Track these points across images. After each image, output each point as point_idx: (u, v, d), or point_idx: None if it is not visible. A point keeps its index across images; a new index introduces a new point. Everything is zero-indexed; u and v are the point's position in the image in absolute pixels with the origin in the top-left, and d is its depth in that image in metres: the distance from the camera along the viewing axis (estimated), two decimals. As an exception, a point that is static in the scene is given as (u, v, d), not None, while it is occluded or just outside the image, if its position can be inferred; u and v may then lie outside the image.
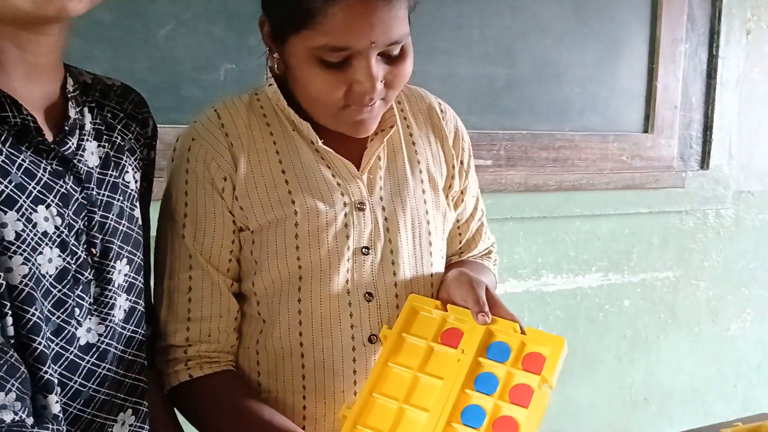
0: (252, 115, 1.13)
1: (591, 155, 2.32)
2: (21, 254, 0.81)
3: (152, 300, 1.13)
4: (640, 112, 2.40)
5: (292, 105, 1.13)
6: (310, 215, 1.09)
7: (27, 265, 0.81)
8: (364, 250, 1.12)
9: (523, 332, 1.07)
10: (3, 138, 0.82)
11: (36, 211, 0.83)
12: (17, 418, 0.76)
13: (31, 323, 0.81)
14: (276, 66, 1.11)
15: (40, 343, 0.82)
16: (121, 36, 1.71)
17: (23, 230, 0.81)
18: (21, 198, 0.82)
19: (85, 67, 1.03)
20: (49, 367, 0.83)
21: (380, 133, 1.15)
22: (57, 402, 0.85)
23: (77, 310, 0.88)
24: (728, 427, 1.30)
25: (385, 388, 1.06)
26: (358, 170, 1.14)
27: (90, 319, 0.90)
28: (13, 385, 0.77)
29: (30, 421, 0.78)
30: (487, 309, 1.08)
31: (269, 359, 1.13)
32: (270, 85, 1.15)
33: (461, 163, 1.26)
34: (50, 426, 0.81)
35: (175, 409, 1.16)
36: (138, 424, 1.00)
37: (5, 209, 0.80)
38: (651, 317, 2.57)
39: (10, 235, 0.80)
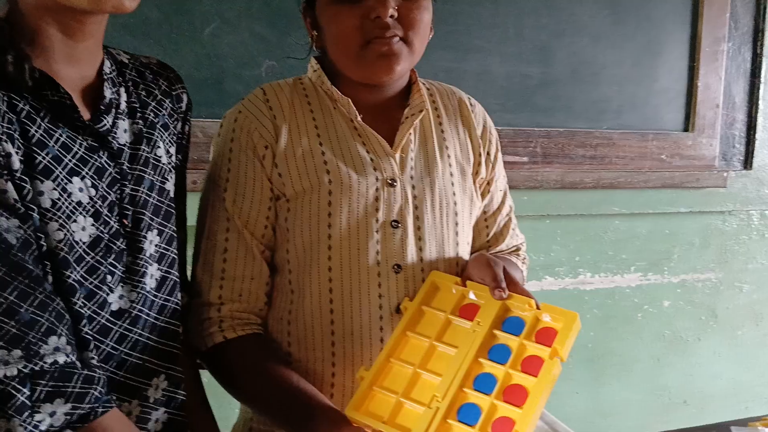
0: (295, 94, 1.22)
1: (629, 153, 2.32)
2: (56, 221, 0.87)
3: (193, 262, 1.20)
4: (681, 111, 2.39)
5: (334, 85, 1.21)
6: (343, 185, 1.16)
7: (62, 231, 0.88)
8: (393, 223, 1.18)
9: (538, 307, 1.10)
10: (42, 114, 0.89)
11: (71, 182, 0.90)
12: (69, 360, 0.83)
13: (66, 285, 0.88)
14: (315, 43, 1.22)
15: (75, 304, 0.89)
16: (168, 33, 1.79)
17: (59, 199, 0.88)
18: (57, 169, 0.88)
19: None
20: (84, 326, 0.90)
21: (411, 117, 1.22)
22: (93, 358, 0.91)
23: (109, 277, 0.94)
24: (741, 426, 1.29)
25: (403, 354, 1.11)
26: (392, 148, 1.20)
27: (122, 286, 0.96)
28: (62, 330, 0.84)
29: (79, 364, 0.85)
30: (504, 285, 1.12)
31: (299, 329, 1.19)
32: (315, 71, 1.23)
33: (488, 153, 1.32)
34: (97, 370, 0.87)
35: (203, 381, 1.21)
36: (171, 389, 1.04)
37: (42, 178, 0.87)
38: (691, 319, 2.55)
39: (46, 203, 0.87)
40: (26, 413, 0.79)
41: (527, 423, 0.99)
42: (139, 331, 0.98)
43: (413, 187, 1.21)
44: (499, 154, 1.35)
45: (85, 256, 0.91)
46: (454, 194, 1.25)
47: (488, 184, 1.33)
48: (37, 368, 0.80)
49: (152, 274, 1.00)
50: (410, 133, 1.22)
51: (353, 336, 1.17)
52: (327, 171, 1.17)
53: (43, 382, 0.80)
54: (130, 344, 0.97)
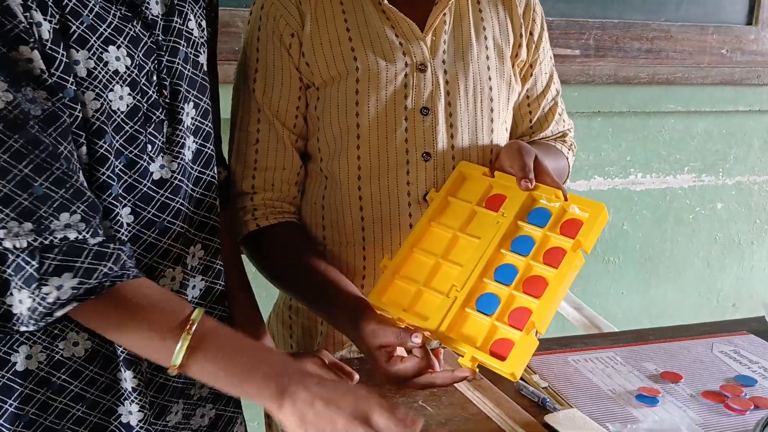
0: None
1: (688, 47, 2.21)
2: (93, 90, 0.88)
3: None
4: (744, 3, 2.26)
5: None
6: (371, 72, 1.14)
7: (98, 100, 0.89)
8: (423, 110, 1.15)
9: (565, 198, 1.07)
10: None
11: (107, 50, 0.90)
12: (80, 236, 0.84)
13: (98, 155, 0.90)
14: None
15: (103, 174, 0.90)
16: None
17: (94, 68, 0.89)
18: (92, 38, 0.89)
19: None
20: (108, 196, 0.91)
21: None
22: (121, 225, 0.93)
23: (149, 147, 0.95)
24: None
25: (426, 244, 1.10)
26: (422, 32, 1.16)
27: (162, 156, 0.98)
28: (78, 207, 0.84)
29: (93, 240, 0.86)
30: (531, 176, 1.09)
31: (332, 214, 1.20)
32: None
33: (530, 33, 1.26)
34: (110, 245, 0.87)
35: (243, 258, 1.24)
36: (208, 258, 1.07)
37: (77, 48, 0.87)
38: (745, 222, 2.48)
39: (82, 72, 0.88)
40: (34, 285, 0.81)
41: (544, 313, 0.98)
42: (180, 200, 1.01)
43: (445, 72, 1.17)
44: (545, 34, 1.28)
45: (124, 125, 0.92)
46: (489, 79, 1.20)
47: (530, 66, 1.27)
48: (46, 242, 0.81)
49: (189, 146, 1.02)
50: (444, 14, 1.17)
51: (382, 222, 1.18)
52: (354, 58, 1.14)
53: (51, 255, 0.82)
54: (172, 213, 1.00)
